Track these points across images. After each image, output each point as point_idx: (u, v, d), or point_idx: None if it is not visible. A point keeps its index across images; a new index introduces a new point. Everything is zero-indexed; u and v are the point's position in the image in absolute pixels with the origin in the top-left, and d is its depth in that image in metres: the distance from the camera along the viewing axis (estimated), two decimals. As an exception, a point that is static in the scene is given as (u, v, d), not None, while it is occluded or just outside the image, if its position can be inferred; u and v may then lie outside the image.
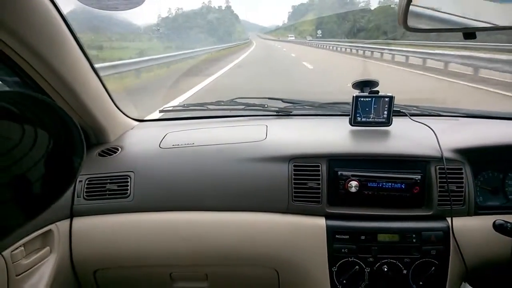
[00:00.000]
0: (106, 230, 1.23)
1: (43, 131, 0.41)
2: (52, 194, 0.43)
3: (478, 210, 1.24)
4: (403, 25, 0.79)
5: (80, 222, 1.23)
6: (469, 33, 0.77)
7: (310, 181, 1.23)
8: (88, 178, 1.26)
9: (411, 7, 0.78)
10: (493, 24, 0.79)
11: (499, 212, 1.23)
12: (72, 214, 1.23)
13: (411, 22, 0.79)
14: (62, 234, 1.20)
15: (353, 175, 1.22)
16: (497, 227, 1.06)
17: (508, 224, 1.05)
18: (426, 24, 0.83)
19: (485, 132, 1.45)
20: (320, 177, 1.23)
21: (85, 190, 1.24)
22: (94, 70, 1.27)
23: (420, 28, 0.82)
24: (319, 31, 44.50)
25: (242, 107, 1.64)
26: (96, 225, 1.23)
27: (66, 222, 1.22)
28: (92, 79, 1.26)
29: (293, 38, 56.31)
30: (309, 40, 39.59)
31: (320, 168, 1.23)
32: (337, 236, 1.20)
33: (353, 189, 1.21)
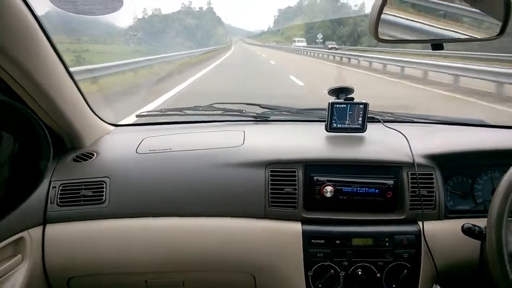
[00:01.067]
0: (80, 237, 1.21)
1: (7, 134, 0.41)
2: (17, 196, 0.43)
3: (449, 214, 1.28)
4: (374, 36, 0.81)
5: (53, 229, 1.20)
6: (437, 44, 0.80)
7: (286, 187, 1.24)
8: (62, 184, 1.23)
9: (381, 19, 0.81)
10: (459, 36, 0.82)
11: (469, 216, 1.27)
12: (45, 220, 1.20)
13: (382, 34, 0.82)
14: (35, 242, 1.17)
15: (328, 180, 1.24)
16: (466, 230, 1.09)
17: (476, 228, 1.08)
18: (396, 35, 0.86)
19: (455, 138, 1.50)
20: (297, 183, 1.24)
21: (58, 196, 1.21)
22: (70, 74, 1.24)
23: (390, 39, 0.85)
24: (320, 35, 35.59)
25: (220, 112, 1.65)
26: (70, 232, 1.20)
27: (38, 229, 1.18)
28: (67, 83, 1.24)
29: (304, 44, 38.49)
30: (332, 48, 25.99)
31: (296, 174, 1.25)
32: (312, 240, 1.21)
33: (328, 194, 1.23)
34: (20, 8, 0.93)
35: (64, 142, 1.34)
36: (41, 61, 1.05)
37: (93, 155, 1.34)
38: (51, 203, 1.21)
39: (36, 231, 1.18)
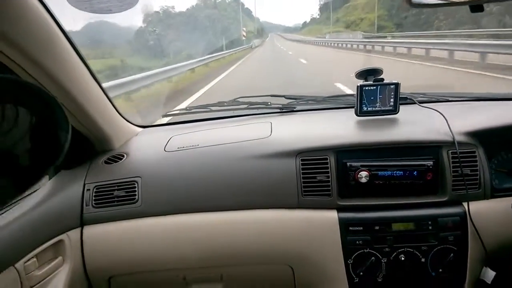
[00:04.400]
0: (117, 237, 1.22)
1: (23, 109, 0.46)
2: (41, 166, 0.47)
3: (495, 193, 1.21)
4: (407, 1, 0.76)
5: (90, 230, 1.22)
6: (476, 6, 0.74)
7: (319, 175, 1.20)
8: (95, 186, 1.25)
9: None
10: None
11: None
12: (82, 222, 1.22)
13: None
14: (74, 243, 1.19)
15: (362, 166, 1.20)
16: None
17: None
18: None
19: (495, 113, 1.41)
20: (329, 170, 1.20)
21: (93, 198, 1.23)
22: (95, 79, 1.25)
23: (424, 3, 0.79)
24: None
25: (245, 106, 1.63)
26: (106, 232, 1.22)
27: (77, 231, 1.21)
28: (93, 87, 1.25)
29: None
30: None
31: (328, 161, 1.21)
32: (350, 228, 1.17)
33: (363, 180, 1.19)
34: (40, 12, 0.94)
35: (94, 145, 1.36)
36: (64, 65, 1.06)
37: (124, 156, 1.35)
38: (86, 205, 1.22)
39: (74, 233, 1.20)
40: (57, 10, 1.03)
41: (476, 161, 1.19)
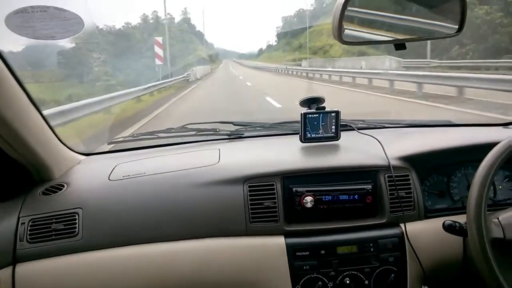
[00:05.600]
0: (55, 274, 1.13)
1: None
2: None
3: (428, 213, 1.29)
4: (338, 39, 0.82)
5: (24, 268, 1.12)
6: (400, 44, 0.82)
7: (266, 201, 1.22)
8: (31, 219, 1.16)
9: (344, 23, 0.82)
10: (420, 35, 0.85)
11: (448, 214, 1.29)
12: (15, 260, 1.12)
13: (346, 37, 0.83)
14: (4, 283, 1.09)
15: (307, 191, 1.23)
16: (447, 227, 1.10)
17: (457, 224, 1.09)
18: (359, 38, 0.87)
19: (426, 139, 1.53)
20: (276, 196, 1.22)
21: (28, 232, 1.14)
22: (34, 104, 1.20)
23: (354, 41, 0.86)
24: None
25: (193, 133, 1.63)
26: (42, 270, 1.13)
27: (8, 270, 1.11)
28: (31, 112, 1.19)
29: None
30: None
31: (275, 187, 1.23)
32: (297, 253, 1.19)
33: (308, 205, 1.22)
34: None
35: (32, 174, 1.28)
36: (2, 91, 1.01)
37: (64, 186, 1.28)
38: (20, 240, 1.14)
39: (5, 272, 1.10)
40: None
41: (410, 184, 1.27)
